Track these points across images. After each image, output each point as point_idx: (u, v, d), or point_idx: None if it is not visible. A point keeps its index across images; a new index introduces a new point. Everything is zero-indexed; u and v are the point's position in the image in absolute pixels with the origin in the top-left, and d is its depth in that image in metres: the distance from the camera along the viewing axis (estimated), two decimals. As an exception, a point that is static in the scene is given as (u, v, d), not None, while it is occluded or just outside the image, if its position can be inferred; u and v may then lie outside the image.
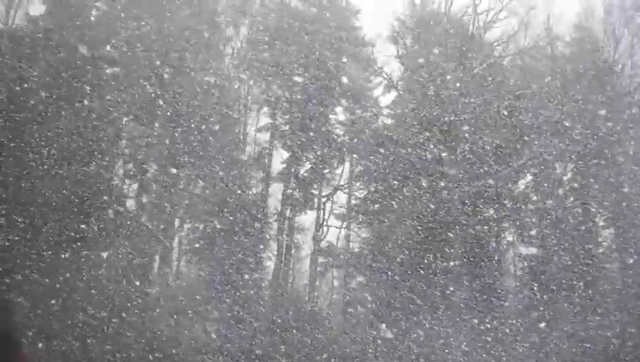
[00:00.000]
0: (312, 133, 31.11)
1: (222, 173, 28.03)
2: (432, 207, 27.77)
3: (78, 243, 22.85)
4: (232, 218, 27.61)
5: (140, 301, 24.33)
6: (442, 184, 28.18)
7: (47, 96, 23.83)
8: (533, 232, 28.95)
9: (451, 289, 26.72)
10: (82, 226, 23.08)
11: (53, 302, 21.43)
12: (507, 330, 26.04)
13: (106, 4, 28.55)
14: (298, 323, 26.97)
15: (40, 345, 20.37)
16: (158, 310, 24.86)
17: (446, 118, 29.03)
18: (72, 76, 24.44)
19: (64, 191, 22.99)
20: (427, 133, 28.86)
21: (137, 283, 24.45)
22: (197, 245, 28.24)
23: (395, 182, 28.85)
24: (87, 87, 25.40)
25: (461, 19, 32.82)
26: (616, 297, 26.41)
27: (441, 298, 26.38)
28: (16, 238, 21.49)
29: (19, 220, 21.74)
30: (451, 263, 27.18)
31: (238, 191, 28.60)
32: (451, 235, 27.41)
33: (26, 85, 23.50)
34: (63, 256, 22.32)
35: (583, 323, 25.76)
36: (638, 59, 31.56)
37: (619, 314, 25.78)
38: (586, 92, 30.01)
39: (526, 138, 29.22)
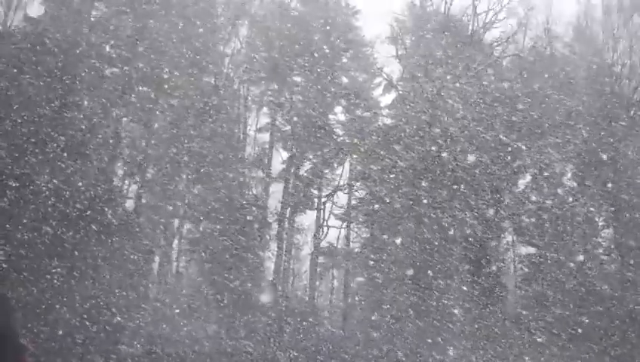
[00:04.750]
0: (311, 133, 31.12)
1: (222, 173, 28.05)
2: (432, 207, 27.79)
3: (78, 243, 22.85)
4: (231, 218, 27.63)
5: (139, 301, 24.36)
6: (442, 184, 28.18)
7: (46, 97, 23.83)
8: (533, 232, 28.94)
9: (451, 288, 26.75)
10: (82, 226, 23.08)
11: (51, 301, 21.43)
12: (507, 330, 26.06)
13: (106, 5, 28.58)
14: (298, 323, 26.98)
15: (38, 344, 20.36)
16: (157, 310, 24.90)
17: (445, 118, 29.04)
18: (71, 76, 24.45)
19: (64, 192, 23.00)
20: (426, 133, 28.87)
21: (137, 283, 24.47)
22: (197, 245, 28.25)
23: (395, 183, 28.86)
24: (87, 87, 25.41)
25: (460, 19, 32.85)
26: (615, 297, 26.41)
27: (441, 298, 26.40)
28: (16, 238, 21.49)
29: (18, 220, 21.74)
30: (451, 263, 27.17)
31: (238, 191, 28.62)
32: (451, 235, 27.42)
33: (25, 86, 23.51)
34: (62, 256, 22.32)
35: (582, 323, 25.77)
36: (637, 60, 31.59)
37: (618, 314, 25.80)
38: (585, 92, 30.04)
39: (526, 138, 29.23)
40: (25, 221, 21.81)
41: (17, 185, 21.98)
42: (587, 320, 25.72)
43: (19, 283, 20.71)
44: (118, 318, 22.75)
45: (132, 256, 24.30)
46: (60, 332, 21.24)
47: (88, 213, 23.17)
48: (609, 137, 28.82)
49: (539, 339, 25.37)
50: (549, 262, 27.15)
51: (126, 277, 23.81)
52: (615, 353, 24.82)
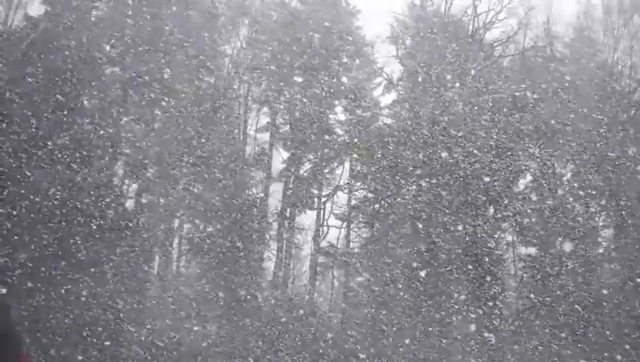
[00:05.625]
0: (312, 133, 31.11)
1: (222, 173, 28.04)
2: (432, 207, 27.79)
3: (78, 243, 22.84)
4: (232, 218, 27.62)
5: (139, 301, 24.35)
6: (442, 183, 28.17)
7: (47, 97, 23.81)
8: (533, 232, 28.94)
9: (451, 288, 26.74)
10: (82, 226, 23.05)
11: (52, 301, 21.43)
12: (507, 330, 26.06)
13: (106, 5, 28.55)
14: (298, 324, 26.97)
15: (39, 344, 20.37)
16: (157, 310, 24.90)
17: (446, 118, 29.05)
18: (72, 76, 24.44)
19: (64, 191, 22.98)
20: (427, 133, 28.87)
21: (137, 283, 24.46)
22: (197, 245, 28.22)
23: (395, 182, 28.84)
24: (87, 87, 25.39)
25: (461, 19, 32.84)
26: (615, 297, 26.40)
27: (441, 297, 26.39)
28: (16, 238, 21.47)
29: (18, 219, 21.72)
30: (451, 263, 27.16)
31: (238, 191, 28.60)
32: (451, 235, 27.40)
33: (25, 85, 23.49)
34: (62, 255, 22.30)
35: (583, 324, 25.75)
36: (638, 60, 31.58)
37: (618, 315, 25.78)
38: (585, 92, 30.02)
39: (526, 138, 29.21)
40: (24, 220, 21.80)
41: (17, 184, 21.96)
42: (589, 322, 25.68)
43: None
44: (121, 320, 22.75)
45: (135, 259, 24.29)
46: (58, 329, 21.24)
47: (88, 212, 23.16)
48: (609, 137, 28.79)
49: (542, 341, 25.33)
50: (548, 262, 27.12)
51: (129, 279, 23.78)
52: (618, 355, 24.77)
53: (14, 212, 21.55)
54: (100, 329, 21.98)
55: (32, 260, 21.29)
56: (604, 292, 26.59)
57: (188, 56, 28.53)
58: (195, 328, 25.03)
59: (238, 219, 27.75)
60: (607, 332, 25.28)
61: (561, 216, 27.87)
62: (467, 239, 27.24)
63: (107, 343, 21.99)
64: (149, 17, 27.95)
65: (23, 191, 21.87)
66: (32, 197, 21.99)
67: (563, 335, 25.49)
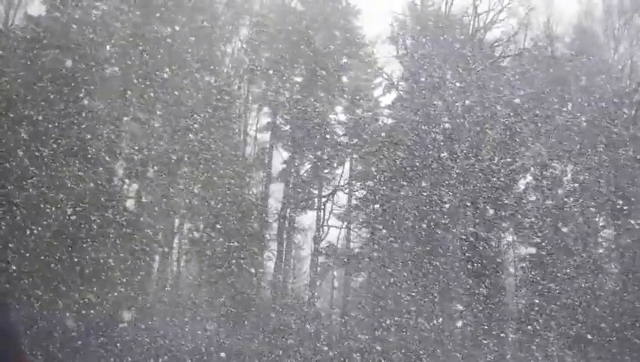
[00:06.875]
0: (312, 133, 31.09)
1: (222, 172, 28.02)
2: (433, 207, 27.78)
3: (78, 243, 22.84)
4: (232, 218, 27.60)
5: (140, 301, 24.34)
6: (442, 184, 28.16)
7: (47, 96, 23.80)
8: (533, 232, 28.92)
9: (452, 289, 26.73)
10: (82, 226, 23.06)
11: (52, 301, 21.43)
12: (508, 330, 26.04)
13: (106, 4, 28.54)
14: (298, 324, 26.96)
15: (44, 349, 20.39)
16: (159, 311, 24.89)
17: (446, 118, 29.04)
18: (72, 76, 24.42)
19: (64, 191, 22.97)
20: (427, 133, 28.86)
21: (137, 283, 24.45)
22: (197, 245, 28.21)
23: (395, 183, 28.82)
24: (87, 87, 25.38)
25: (461, 19, 32.82)
26: (615, 297, 26.39)
27: (442, 298, 26.38)
28: (16, 238, 21.47)
29: (18, 220, 21.72)
30: (452, 263, 27.16)
31: (238, 191, 28.59)
32: (451, 235, 27.40)
33: (25, 85, 23.49)
34: (62, 255, 22.30)
35: (583, 324, 25.75)
36: (638, 60, 31.58)
37: (618, 315, 25.77)
38: (585, 93, 30.02)
39: (526, 138, 29.21)
40: (25, 220, 21.79)
41: (17, 184, 21.95)
42: (589, 321, 25.66)
43: (17, 280, 20.67)
44: (118, 317, 22.77)
45: (132, 256, 24.29)
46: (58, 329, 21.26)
47: (88, 212, 23.16)
48: (610, 137, 28.79)
49: (542, 340, 25.31)
50: (548, 262, 27.11)
51: (132, 282, 23.79)
52: (618, 354, 24.76)
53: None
54: (104, 333, 21.99)
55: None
56: (605, 292, 26.55)
57: (188, 56, 28.49)
58: (195, 327, 25.01)
59: (238, 219, 27.72)
60: (608, 333, 25.22)
61: (560, 216, 27.86)
62: (467, 239, 27.21)
63: (111, 346, 21.98)
64: (149, 17, 27.92)
65: (21, 189, 21.85)
66: (31, 195, 21.97)
67: (564, 336, 25.44)
